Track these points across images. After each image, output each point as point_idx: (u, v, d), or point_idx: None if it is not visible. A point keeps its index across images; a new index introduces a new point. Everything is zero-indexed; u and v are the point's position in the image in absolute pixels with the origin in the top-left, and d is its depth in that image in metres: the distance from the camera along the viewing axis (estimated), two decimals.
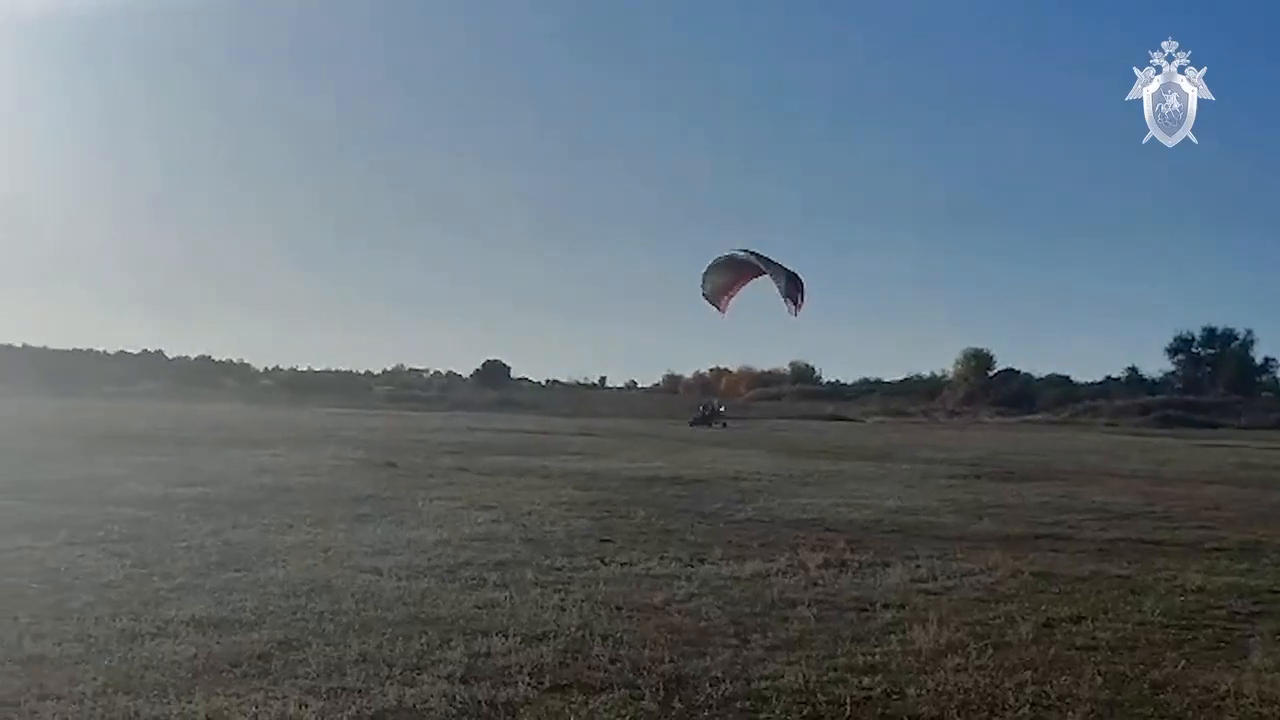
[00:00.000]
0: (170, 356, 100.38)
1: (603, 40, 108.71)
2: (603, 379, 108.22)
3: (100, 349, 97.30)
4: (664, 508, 15.78)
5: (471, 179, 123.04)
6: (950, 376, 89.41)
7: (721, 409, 55.52)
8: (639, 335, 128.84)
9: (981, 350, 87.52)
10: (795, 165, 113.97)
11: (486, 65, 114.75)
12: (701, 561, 10.87)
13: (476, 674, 6.57)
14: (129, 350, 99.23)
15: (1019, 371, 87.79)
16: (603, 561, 10.71)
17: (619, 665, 6.85)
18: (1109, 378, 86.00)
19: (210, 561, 10.08)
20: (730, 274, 35.22)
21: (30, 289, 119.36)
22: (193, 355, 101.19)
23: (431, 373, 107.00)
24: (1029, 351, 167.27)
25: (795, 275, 33.64)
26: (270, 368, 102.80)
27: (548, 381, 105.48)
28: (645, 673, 6.67)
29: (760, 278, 34.15)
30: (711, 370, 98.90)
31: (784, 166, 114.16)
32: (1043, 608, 8.99)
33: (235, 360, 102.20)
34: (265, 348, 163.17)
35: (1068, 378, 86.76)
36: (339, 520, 13.22)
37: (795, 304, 33.24)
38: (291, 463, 22.07)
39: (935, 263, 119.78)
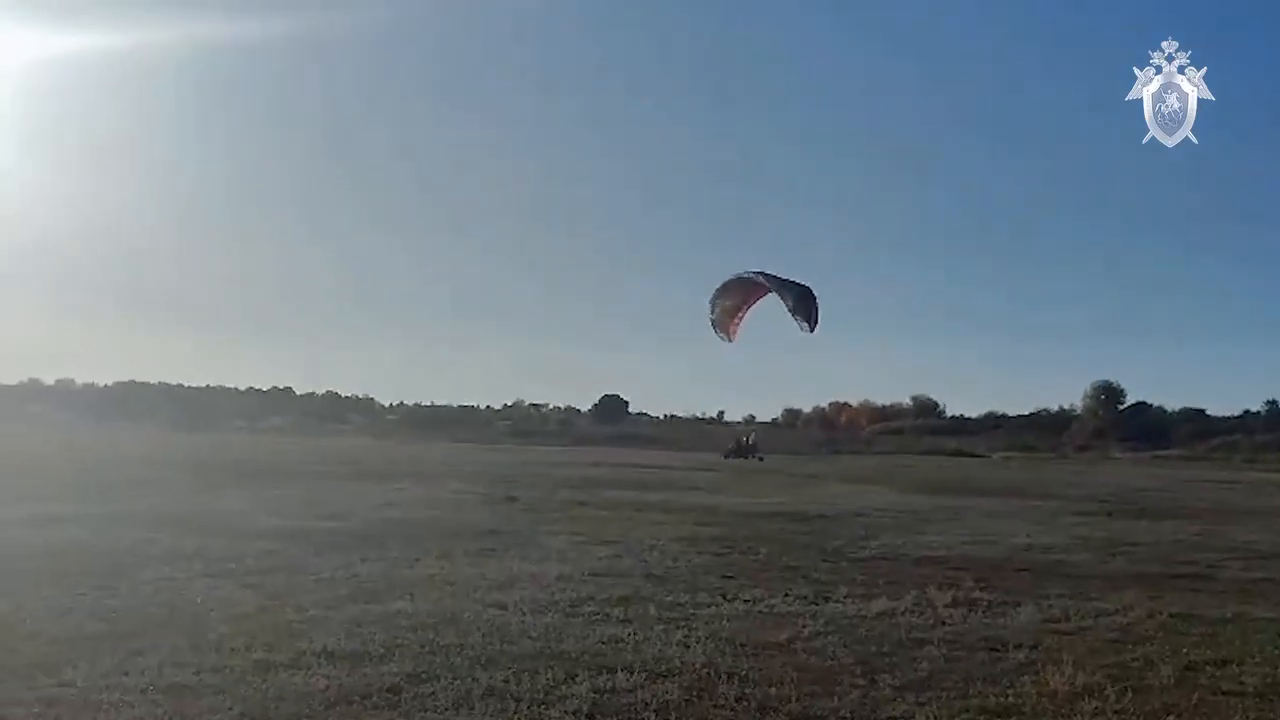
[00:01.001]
0: (299, 392, 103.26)
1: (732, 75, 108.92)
2: (721, 413, 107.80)
3: (231, 385, 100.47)
4: (787, 544, 15.60)
5: (590, 215, 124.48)
6: (1079, 411, 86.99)
7: (754, 442, 54.49)
8: (757, 368, 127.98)
9: (1111, 383, 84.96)
10: (910, 197, 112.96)
11: (608, 97, 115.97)
12: (826, 599, 10.70)
13: (602, 710, 6.55)
14: (258, 387, 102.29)
15: (1151, 405, 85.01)
16: (725, 598, 10.61)
17: (745, 704, 6.76)
18: (1248, 411, 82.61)
19: (340, 594, 10.24)
20: (737, 296, 33.90)
21: (165, 328, 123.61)
22: (320, 391, 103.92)
23: (550, 407, 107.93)
24: (1162, 384, 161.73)
25: (807, 290, 32.39)
26: (394, 403, 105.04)
27: (666, 416, 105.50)
28: (772, 712, 6.57)
29: (767, 296, 32.89)
30: (831, 404, 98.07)
31: (899, 199, 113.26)
32: (1184, 650, 8.63)
33: (361, 396, 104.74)
34: (389, 383, 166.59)
35: (1203, 411, 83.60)
36: (463, 554, 13.33)
37: (808, 321, 31.79)
38: (416, 497, 22.41)
39: (1061, 293, 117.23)
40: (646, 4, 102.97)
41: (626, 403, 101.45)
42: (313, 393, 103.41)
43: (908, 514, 21.38)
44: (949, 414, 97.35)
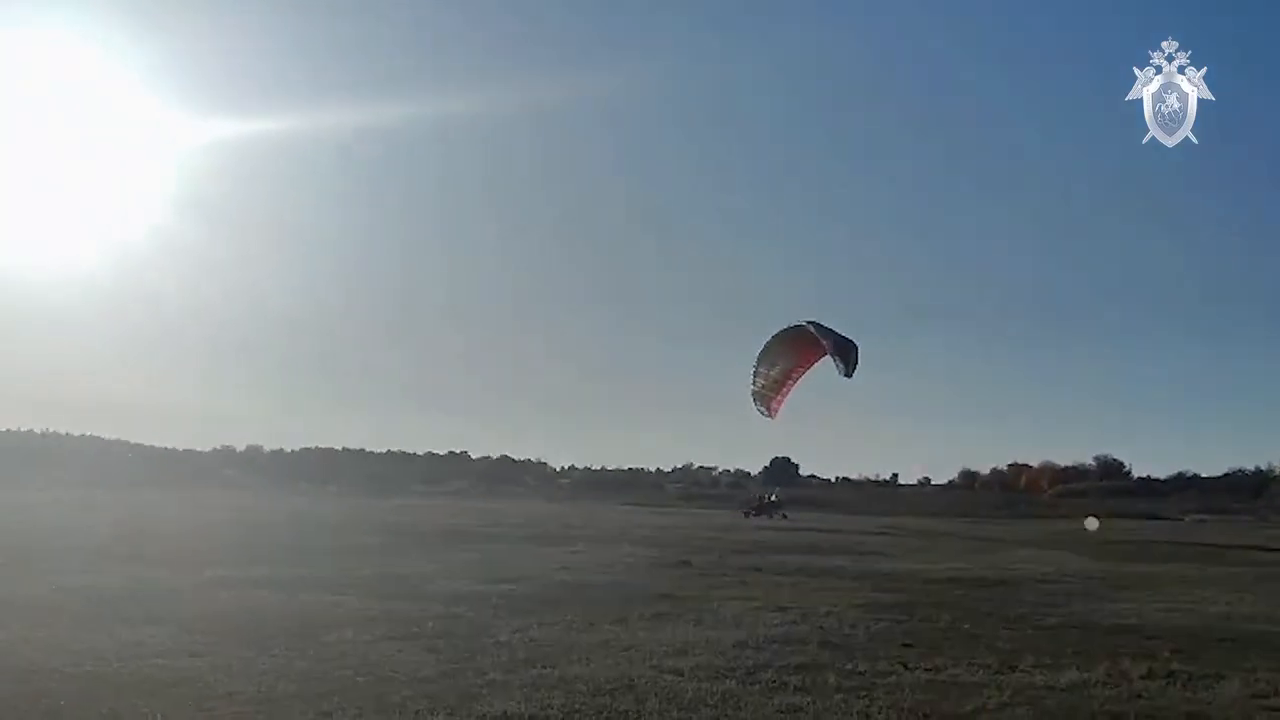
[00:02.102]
0: (474, 457, 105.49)
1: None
2: (894, 475, 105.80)
3: (411, 450, 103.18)
4: (968, 610, 15.13)
5: (754, 277, 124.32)
6: (1278, 471, 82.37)
7: (776, 499, 52.35)
8: (932, 429, 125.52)
9: None
10: (1079, 256, 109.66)
11: (768, 165, 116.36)
12: (1012, 669, 10.32)
13: None
14: (436, 451, 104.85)
15: None
16: (906, 666, 10.34)
17: None
18: None
19: (518, 658, 10.35)
20: (783, 362, 32.10)
21: (348, 396, 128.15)
22: (495, 455, 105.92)
23: (720, 470, 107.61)
24: None
25: (848, 342, 30.64)
26: (566, 466, 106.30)
27: (837, 479, 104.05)
28: None
29: (820, 360, 31.06)
30: (1010, 466, 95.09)
31: (1069, 258, 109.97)
32: None
33: (534, 459, 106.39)
34: (562, 447, 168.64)
35: None
36: (638, 619, 13.33)
37: (846, 363, 29.99)
38: (590, 560, 22.56)
39: (1253, 347, 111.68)
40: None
41: (797, 465, 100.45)
42: (488, 457, 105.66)
43: (1096, 579, 20.54)
44: (1135, 475, 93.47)
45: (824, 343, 30.09)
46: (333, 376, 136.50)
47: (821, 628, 13.03)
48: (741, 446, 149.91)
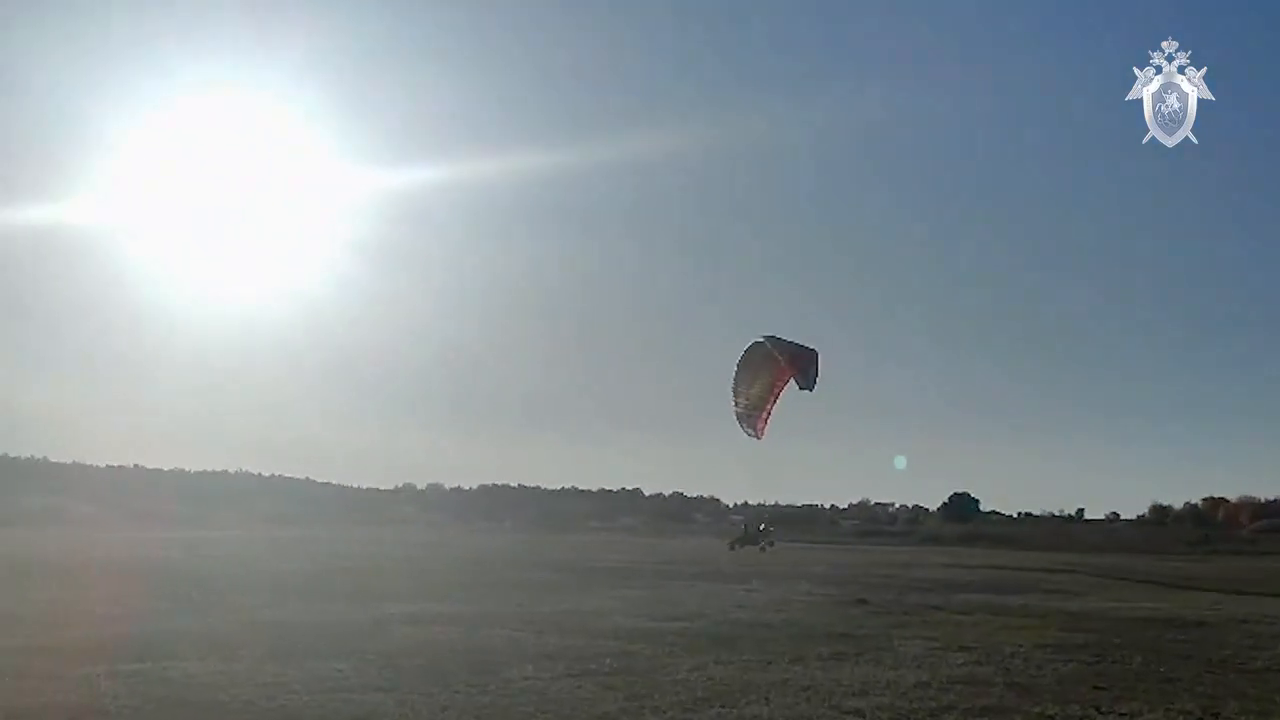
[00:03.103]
0: (646, 494, 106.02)
1: None
2: (1080, 510, 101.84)
3: (584, 487, 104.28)
4: (1163, 653, 14.39)
5: (940, 301, 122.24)
6: None
7: (767, 528, 49.77)
8: (1121, 460, 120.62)
9: None
10: None
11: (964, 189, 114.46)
12: (1215, 716, 9.78)
13: None
14: (609, 488, 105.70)
15: None
16: (1099, 710, 9.90)
17: None
18: None
19: (696, 697, 10.27)
20: (762, 379, 31.07)
21: (524, 434, 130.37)
22: (667, 492, 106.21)
23: (897, 506, 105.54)
24: None
25: (805, 351, 29.36)
26: (739, 503, 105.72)
27: (1019, 514, 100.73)
28: None
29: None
30: (1205, 500, 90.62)
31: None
32: None
33: (706, 496, 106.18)
34: (734, 484, 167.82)
35: None
36: (815, 658, 13.11)
37: (805, 377, 28.72)
38: (765, 598, 22.31)
39: None
40: None
41: (977, 501, 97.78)
42: (660, 493, 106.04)
43: None
44: None
45: (780, 359, 29.81)
46: (509, 415, 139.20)
47: (1007, 669, 12.57)
48: (919, 482, 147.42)
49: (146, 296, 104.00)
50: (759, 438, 32.08)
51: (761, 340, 30.45)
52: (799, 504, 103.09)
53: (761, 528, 49.32)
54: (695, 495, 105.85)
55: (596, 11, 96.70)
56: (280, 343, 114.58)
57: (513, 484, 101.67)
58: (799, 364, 29.27)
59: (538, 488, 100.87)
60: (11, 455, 74.15)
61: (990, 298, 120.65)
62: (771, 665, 12.45)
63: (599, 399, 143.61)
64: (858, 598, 22.60)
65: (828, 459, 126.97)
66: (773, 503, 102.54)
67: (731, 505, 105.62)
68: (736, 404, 31.68)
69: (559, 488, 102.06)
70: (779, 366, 30.50)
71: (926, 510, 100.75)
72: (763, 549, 45.25)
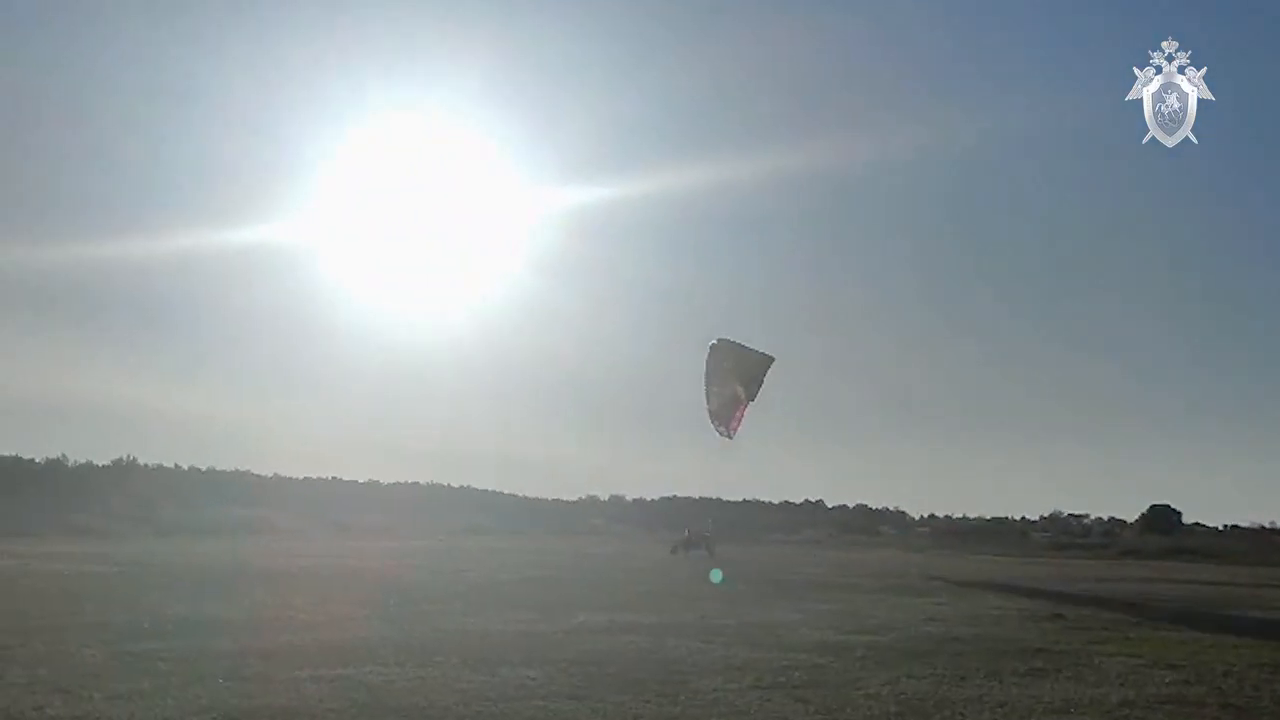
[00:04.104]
0: (830, 505, 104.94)
1: None
2: None
3: (766, 499, 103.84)
4: None
5: (1131, 303, 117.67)
6: None
7: (709, 532, 46.74)
8: None
9: None
10: None
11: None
12: None
13: None
14: (792, 500, 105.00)
15: None
16: None
17: None
18: None
19: (889, 711, 10.09)
20: (731, 381, 29.86)
21: (706, 446, 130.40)
22: (851, 504, 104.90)
23: (1092, 518, 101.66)
24: None
25: (756, 358, 27.94)
26: (925, 515, 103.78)
27: (1226, 526, 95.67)
28: None
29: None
30: None
31: None
32: None
33: (891, 508, 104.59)
34: (920, 495, 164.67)
35: None
36: (1011, 674, 12.73)
37: (746, 388, 27.52)
38: (956, 612, 21.78)
39: None
40: None
41: (1179, 513, 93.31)
42: (844, 505, 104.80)
43: None
44: None
45: (724, 366, 29.36)
46: (691, 427, 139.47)
47: (1220, 689, 11.94)
48: (1115, 492, 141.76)
49: (340, 313, 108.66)
50: (730, 438, 32.40)
51: (717, 343, 30.74)
52: (987, 516, 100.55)
53: (706, 534, 48.89)
54: (880, 507, 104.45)
55: (764, 29, 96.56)
56: (466, 356, 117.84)
57: (695, 496, 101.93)
58: (744, 377, 29.57)
59: (719, 499, 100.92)
60: (217, 468, 78.10)
61: (1194, 296, 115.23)
62: (965, 681, 12.13)
63: (779, 410, 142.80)
64: (1053, 612, 21.83)
65: (1016, 470, 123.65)
66: (960, 514, 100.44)
67: (918, 518, 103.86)
68: (709, 402, 31.97)
69: (741, 499, 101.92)
70: (737, 385, 30.79)
71: (1123, 522, 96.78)
72: (708, 553, 44.56)
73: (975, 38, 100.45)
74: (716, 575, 29.09)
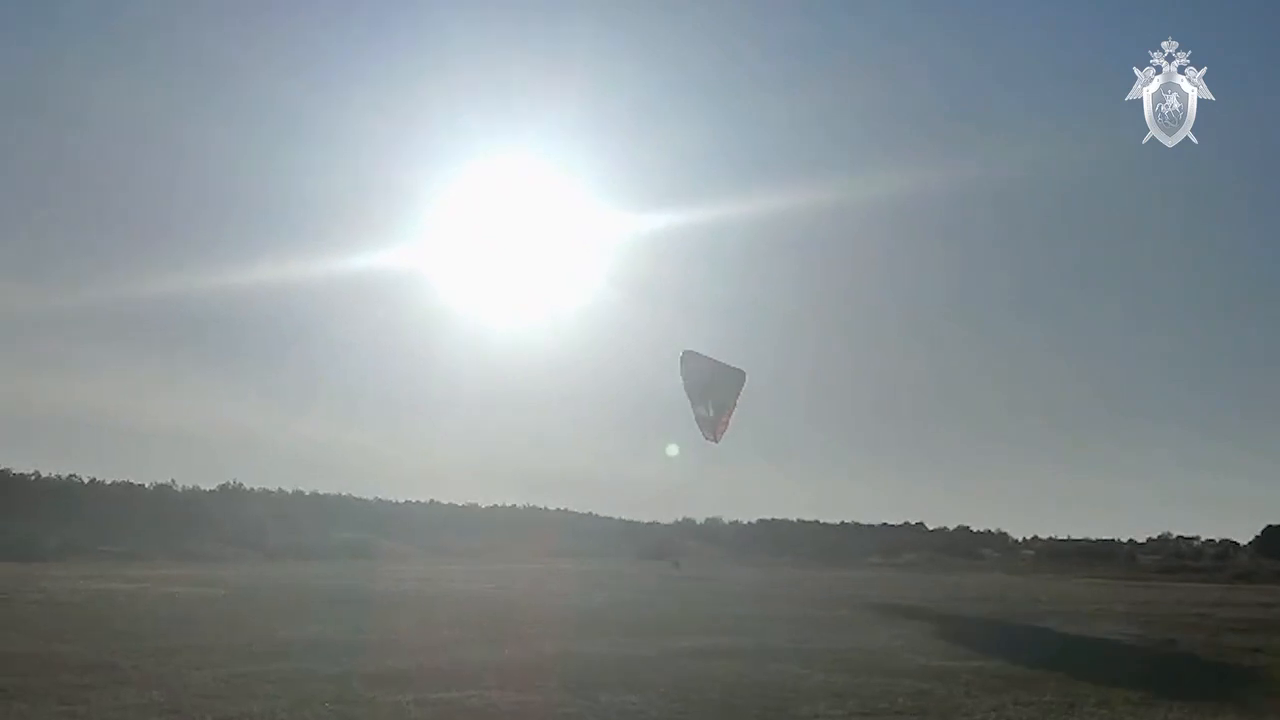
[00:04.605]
0: (930, 528, 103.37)
1: None
2: None
3: (864, 522, 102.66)
4: None
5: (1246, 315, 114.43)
6: None
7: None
8: None
9: None
10: None
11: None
12: None
13: None
14: (890, 522, 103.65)
15: None
16: None
17: None
18: None
19: None
20: (721, 391, 29.86)
21: (800, 468, 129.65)
22: (951, 526, 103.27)
23: (1203, 540, 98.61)
24: None
25: (721, 372, 27.91)
26: (1028, 537, 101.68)
27: None
28: None
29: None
30: None
31: None
32: None
33: (993, 530, 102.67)
34: (1023, 516, 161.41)
35: None
36: (1123, 702, 12.38)
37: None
38: (1063, 636, 21.31)
39: None
40: None
41: None
42: (944, 528, 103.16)
43: None
44: None
45: (702, 381, 29.73)
46: (782, 450, 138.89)
47: None
48: (1228, 513, 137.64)
49: (438, 339, 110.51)
50: (715, 442, 32.94)
51: (686, 354, 31.43)
52: (1093, 538, 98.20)
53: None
54: (981, 529, 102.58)
55: (840, 56, 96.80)
56: (558, 381, 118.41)
57: (791, 518, 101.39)
58: (696, 391, 30.28)
59: (816, 522, 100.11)
60: (321, 492, 79.52)
61: None
62: (1074, 709, 11.83)
63: (875, 432, 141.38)
64: (1165, 638, 21.22)
65: (1124, 490, 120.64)
66: (1064, 536, 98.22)
67: (1021, 539, 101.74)
68: (694, 409, 32.45)
69: (838, 522, 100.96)
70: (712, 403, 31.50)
71: (1237, 545, 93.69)
72: (675, 565, 43.96)
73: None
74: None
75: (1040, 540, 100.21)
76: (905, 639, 19.88)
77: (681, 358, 32.83)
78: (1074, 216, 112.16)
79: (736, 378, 32.63)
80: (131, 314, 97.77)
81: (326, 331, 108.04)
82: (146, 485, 71.10)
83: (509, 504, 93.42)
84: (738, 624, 22.58)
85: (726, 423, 32.75)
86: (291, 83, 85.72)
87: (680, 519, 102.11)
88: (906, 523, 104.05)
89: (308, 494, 78.86)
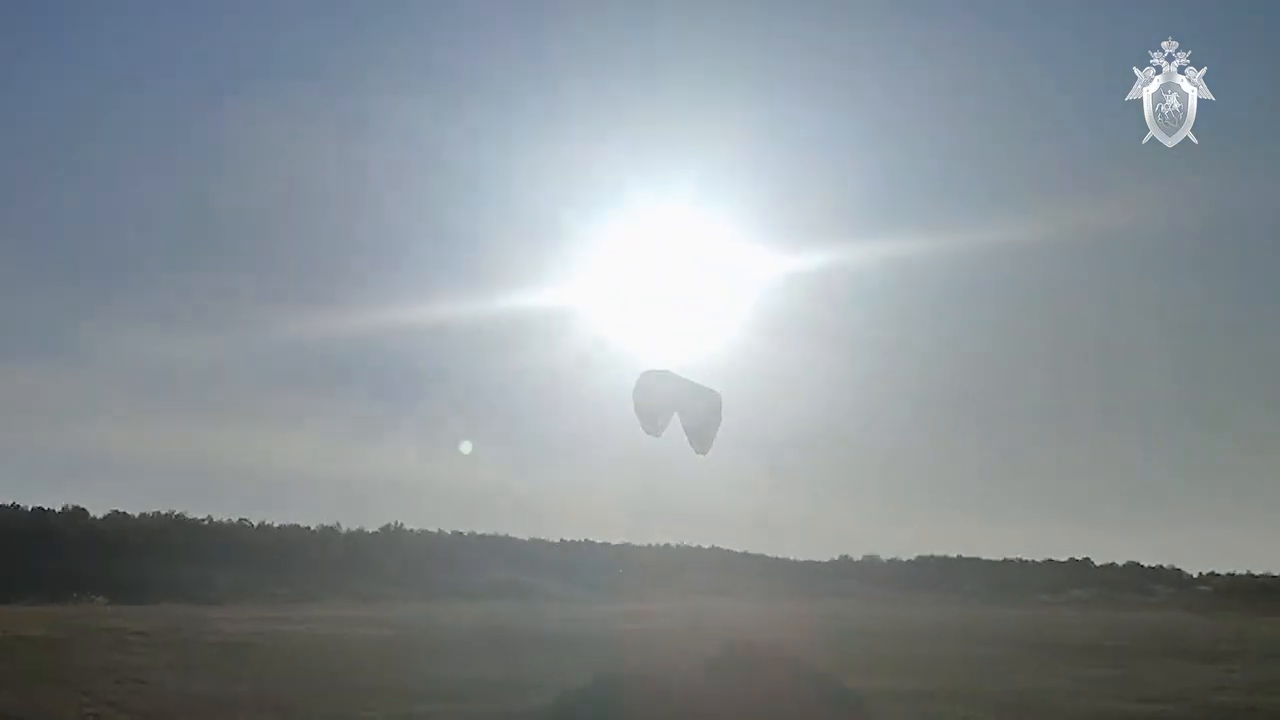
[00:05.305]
0: (1097, 564, 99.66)
1: None
2: None
3: (1029, 558, 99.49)
4: None
5: None
6: None
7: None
8: None
9: None
10: None
11: None
12: None
13: None
14: (1056, 558, 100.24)
15: None
16: None
17: None
18: None
19: None
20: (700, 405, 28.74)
21: (958, 505, 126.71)
22: (1120, 562, 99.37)
23: None
24: None
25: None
26: (1205, 572, 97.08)
27: None
28: None
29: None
30: None
31: None
32: None
33: (1166, 566, 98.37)
34: (1198, 551, 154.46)
35: None
36: None
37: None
38: (1247, 679, 20.20)
39: None
40: None
41: None
42: (1113, 563, 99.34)
43: None
44: None
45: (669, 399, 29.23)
46: (943, 485, 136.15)
47: None
48: None
49: (591, 378, 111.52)
50: (704, 454, 32.58)
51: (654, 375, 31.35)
52: (1275, 572, 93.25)
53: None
54: (1153, 565, 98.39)
55: (985, 107, 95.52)
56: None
57: (952, 555, 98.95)
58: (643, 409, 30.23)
59: (978, 559, 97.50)
60: (479, 533, 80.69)
61: None
62: None
63: (1039, 467, 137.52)
64: None
65: None
66: (1244, 571, 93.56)
67: (1196, 575, 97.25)
68: (685, 419, 32.21)
69: (1001, 559, 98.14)
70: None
71: None
72: None
73: None
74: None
75: (1219, 576, 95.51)
76: (1080, 680, 19.13)
77: (642, 376, 33.13)
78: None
79: (714, 399, 33.04)
80: (294, 359, 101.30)
81: (484, 371, 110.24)
82: (313, 528, 73.28)
83: (662, 543, 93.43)
84: (903, 664, 22.04)
85: (711, 438, 33.18)
86: (458, 133, 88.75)
87: (838, 557, 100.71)
88: (1073, 558, 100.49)
89: (466, 534, 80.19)
